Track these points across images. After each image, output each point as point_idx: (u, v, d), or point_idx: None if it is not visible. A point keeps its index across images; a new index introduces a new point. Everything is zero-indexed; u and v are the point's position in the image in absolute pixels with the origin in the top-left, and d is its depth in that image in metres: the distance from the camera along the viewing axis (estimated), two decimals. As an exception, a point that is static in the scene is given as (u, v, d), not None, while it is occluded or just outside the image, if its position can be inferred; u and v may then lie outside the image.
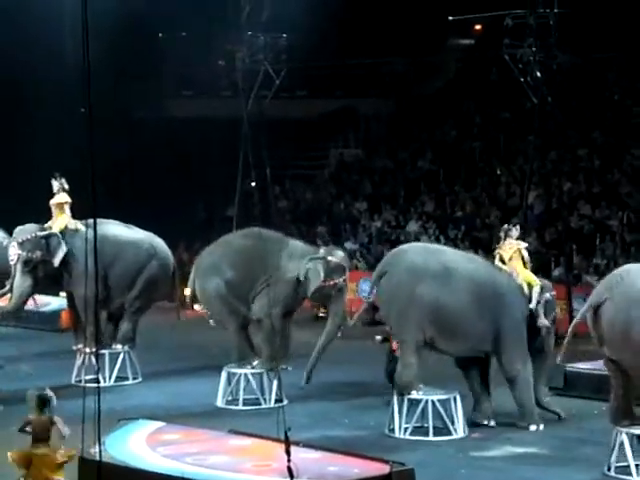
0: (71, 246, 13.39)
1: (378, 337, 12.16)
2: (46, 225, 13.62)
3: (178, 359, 14.88)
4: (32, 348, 15.73)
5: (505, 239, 11.61)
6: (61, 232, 13.46)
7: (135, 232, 13.92)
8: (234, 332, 12.69)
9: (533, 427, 11.22)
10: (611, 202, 19.39)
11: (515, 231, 11.66)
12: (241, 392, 12.32)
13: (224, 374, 12.46)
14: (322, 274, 12.19)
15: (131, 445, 9.01)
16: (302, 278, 12.25)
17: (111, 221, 13.35)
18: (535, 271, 15.41)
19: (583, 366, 12.75)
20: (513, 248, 11.52)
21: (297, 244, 12.87)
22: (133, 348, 13.61)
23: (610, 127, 21.64)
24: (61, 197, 13.56)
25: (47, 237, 13.40)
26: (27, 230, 13.52)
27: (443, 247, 12.42)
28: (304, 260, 12.28)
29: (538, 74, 16.94)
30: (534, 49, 16.79)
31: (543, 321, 11.31)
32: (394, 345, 11.69)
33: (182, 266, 20.12)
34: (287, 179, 24.60)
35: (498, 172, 21.84)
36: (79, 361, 13.25)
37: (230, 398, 12.41)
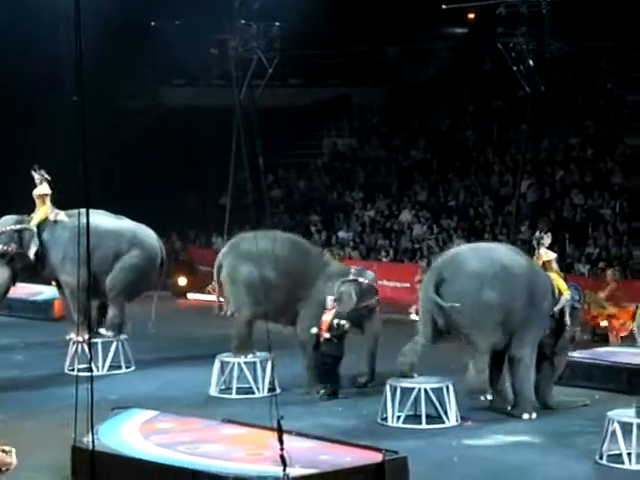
0: (48, 237, 13.46)
1: (314, 330, 12.00)
2: (30, 216, 13.66)
3: (171, 348, 14.88)
4: (25, 337, 15.72)
5: (539, 248, 11.65)
6: (39, 225, 13.52)
7: (119, 222, 13.87)
8: (243, 320, 12.53)
9: (526, 416, 11.26)
10: (604, 191, 19.42)
11: (547, 238, 11.69)
12: (234, 381, 12.32)
13: (217, 363, 12.46)
14: (355, 297, 12.21)
15: (124, 434, 9.03)
16: (336, 301, 12.24)
17: (97, 211, 13.30)
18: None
19: (576, 355, 12.78)
20: (542, 259, 11.59)
21: (335, 265, 12.95)
22: (118, 335, 13.55)
23: (603, 116, 21.65)
24: (42, 188, 13.64)
25: (20, 231, 13.50)
26: (5, 223, 13.62)
27: (485, 244, 12.21)
28: (337, 283, 12.29)
29: (531, 63, 16.95)
30: (527, 38, 16.79)
31: (567, 319, 11.40)
32: (323, 334, 11.86)
33: (175, 254, 20.19)
34: (280, 168, 24.56)
35: (491, 161, 21.86)
36: (72, 350, 13.24)
37: (223, 387, 12.42)
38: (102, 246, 13.21)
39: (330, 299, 12.07)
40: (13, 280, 13.76)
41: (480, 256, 11.28)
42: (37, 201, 13.71)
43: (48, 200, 13.64)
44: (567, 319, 11.44)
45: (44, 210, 13.63)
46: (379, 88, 25.83)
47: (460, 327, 11.05)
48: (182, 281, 19.85)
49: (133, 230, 13.92)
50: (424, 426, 10.90)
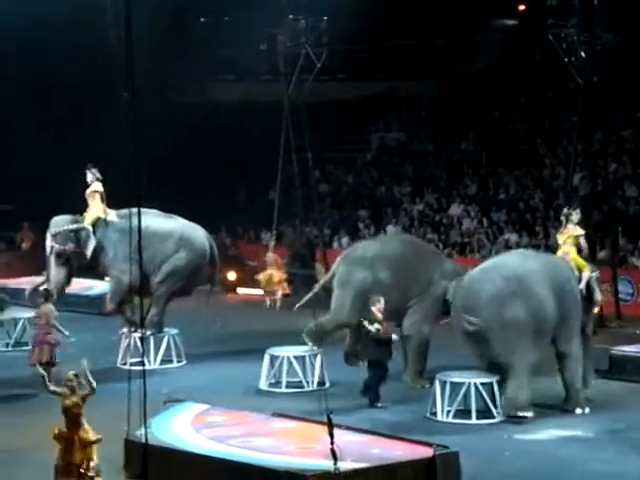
0: (101, 237, 13.62)
1: (376, 326, 11.55)
2: (82, 216, 13.79)
3: (221, 342, 14.97)
4: (78, 331, 15.87)
5: (567, 223, 11.60)
6: (93, 224, 13.64)
7: (168, 222, 13.89)
8: (337, 322, 12.42)
9: (579, 410, 11.16)
10: (657, 183, 19.14)
11: (575, 215, 11.67)
12: (284, 375, 12.36)
13: (267, 357, 12.51)
14: None
15: (176, 427, 9.11)
16: (450, 298, 12.12)
17: (149, 211, 13.38)
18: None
19: (629, 349, 12.65)
20: (570, 234, 11.54)
21: (451, 263, 13.08)
22: (158, 334, 13.64)
23: (656, 107, 21.33)
24: (94, 186, 13.72)
25: (77, 231, 13.64)
26: (60, 222, 13.76)
27: (493, 262, 11.69)
28: (455, 281, 12.19)
29: (582, 54, 16.73)
30: (578, 29, 16.58)
31: (597, 296, 11.42)
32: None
33: (224, 249, 20.28)
34: (328, 163, 24.56)
35: (542, 153, 21.64)
36: (124, 344, 13.38)
37: (273, 381, 12.47)
38: (150, 248, 13.24)
39: (382, 300, 11.72)
40: (68, 279, 13.93)
41: (492, 278, 10.96)
42: (89, 199, 13.81)
43: (99, 198, 13.72)
44: (595, 294, 11.35)
45: (97, 209, 13.72)
46: (427, 81, 25.69)
47: (494, 352, 10.84)
48: (231, 276, 19.98)
49: (180, 231, 13.99)
50: (474, 421, 10.84)
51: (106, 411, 10.71)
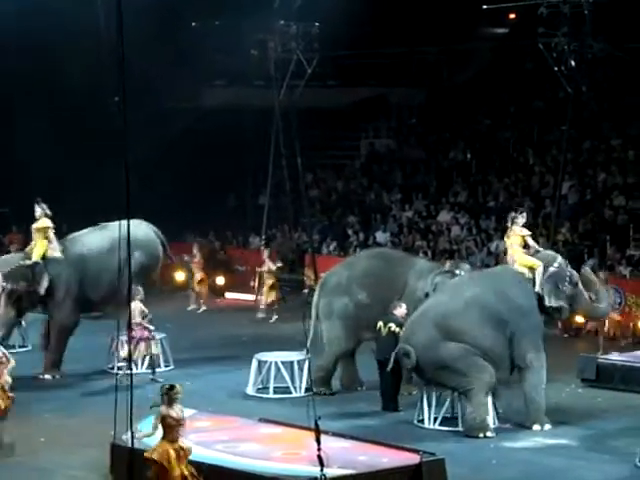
0: (53, 274, 13.37)
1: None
2: (27, 249, 13.59)
3: (209, 347, 14.96)
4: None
5: (512, 226, 11.47)
6: (42, 259, 13.37)
7: (110, 233, 13.34)
8: (333, 354, 12.39)
9: (537, 427, 10.85)
10: (645, 193, 19.20)
11: (521, 218, 11.49)
12: (271, 380, 12.35)
13: (254, 362, 12.51)
14: None
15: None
16: (431, 292, 12.04)
17: (83, 232, 13.44)
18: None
19: (616, 358, 12.68)
20: (516, 235, 11.41)
21: (423, 262, 13.06)
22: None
23: (645, 117, 21.40)
24: (43, 222, 13.39)
25: (32, 267, 13.29)
26: (10, 261, 13.53)
27: (436, 299, 11.46)
28: (431, 275, 12.19)
29: (572, 63, 16.81)
30: (569, 38, 16.67)
31: (551, 303, 11.05)
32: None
33: (213, 254, 20.28)
34: (318, 168, 24.59)
35: (531, 162, 21.70)
36: (112, 348, 13.35)
37: (260, 386, 12.46)
38: (106, 265, 13.05)
39: (404, 305, 11.78)
40: (17, 318, 13.67)
41: (423, 326, 10.88)
42: (35, 234, 13.45)
43: (51, 233, 13.38)
44: (547, 296, 11.04)
45: (42, 245, 13.37)
46: (417, 88, 25.75)
47: (451, 387, 10.81)
48: (220, 280, 19.97)
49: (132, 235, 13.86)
50: (461, 428, 10.84)
51: (93, 415, 10.73)
